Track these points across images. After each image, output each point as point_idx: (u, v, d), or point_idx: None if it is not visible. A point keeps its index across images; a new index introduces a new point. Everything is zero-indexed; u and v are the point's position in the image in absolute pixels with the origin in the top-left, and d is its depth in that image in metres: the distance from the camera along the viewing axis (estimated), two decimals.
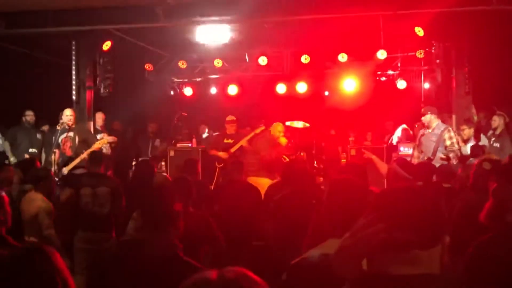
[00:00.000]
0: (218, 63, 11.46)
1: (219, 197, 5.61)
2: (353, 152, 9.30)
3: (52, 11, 7.99)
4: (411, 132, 10.33)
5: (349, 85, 10.70)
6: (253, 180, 8.12)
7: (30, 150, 8.91)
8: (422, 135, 7.74)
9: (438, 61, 9.18)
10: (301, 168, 4.59)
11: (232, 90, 12.18)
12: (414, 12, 8.12)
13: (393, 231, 1.44)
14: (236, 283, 1.19)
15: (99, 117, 9.80)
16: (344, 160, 9.84)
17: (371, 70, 10.84)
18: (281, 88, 11.85)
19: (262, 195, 5.66)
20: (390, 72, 11.41)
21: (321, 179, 8.78)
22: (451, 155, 7.41)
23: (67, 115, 7.97)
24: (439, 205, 1.56)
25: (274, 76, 11.85)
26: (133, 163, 10.35)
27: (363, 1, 7.90)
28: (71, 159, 7.49)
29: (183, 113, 11.45)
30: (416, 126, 9.30)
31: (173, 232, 2.63)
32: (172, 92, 13.03)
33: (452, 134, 7.54)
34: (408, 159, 7.69)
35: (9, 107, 9.18)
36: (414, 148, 8.14)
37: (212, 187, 8.05)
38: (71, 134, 7.94)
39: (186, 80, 12.49)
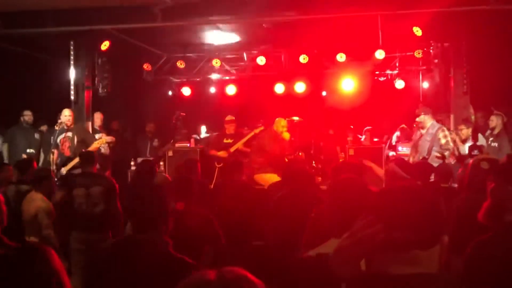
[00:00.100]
0: (216, 63, 11.46)
1: (218, 196, 5.61)
2: (351, 152, 9.30)
3: (51, 11, 7.98)
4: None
5: (348, 85, 10.70)
6: (259, 177, 8.15)
7: (28, 150, 8.90)
8: (420, 136, 7.80)
9: (436, 61, 9.20)
10: (300, 168, 4.61)
11: (231, 90, 12.18)
12: (412, 12, 8.14)
13: (392, 231, 1.45)
14: (236, 284, 1.19)
15: (98, 117, 9.79)
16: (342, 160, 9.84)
17: (369, 70, 10.85)
18: (279, 88, 11.85)
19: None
20: (388, 72, 11.43)
21: (320, 179, 8.77)
22: (446, 153, 7.53)
23: (66, 115, 7.97)
24: (438, 205, 1.56)
25: (273, 76, 11.85)
26: (132, 163, 10.35)
27: (362, 1, 7.90)
28: (70, 159, 7.49)
29: (181, 113, 11.44)
30: (415, 125, 9.32)
31: (164, 230, 2.66)
32: (170, 92, 13.02)
33: (447, 133, 7.65)
34: (406, 158, 7.75)
35: (7, 107, 9.17)
36: (411, 148, 8.22)
37: (212, 186, 8.05)
38: (69, 134, 7.94)
39: (184, 80, 12.49)
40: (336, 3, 7.87)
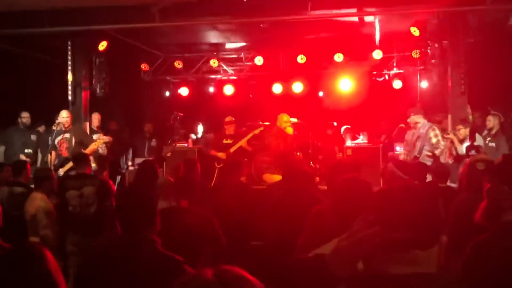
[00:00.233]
0: (214, 63, 11.46)
1: (217, 197, 5.61)
2: (349, 152, 9.31)
3: (48, 11, 7.96)
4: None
5: (345, 85, 10.71)
6: (268, 177, 8.16)
7: (26, 150, 8.88)
8: (418, 136, 7.86)
9: (433, 61, 9.20)
10: (300, 168, 4.61)
11: (228, 90, 12.18)
12: (410, 12, 8.15)
13: (391, 231, 1.45)
14: (235, 284, 1.19)
15: (95, 117, 9.77)
16: None
17: (367, 70, 10.86)
18: (277, 88, 11.86)
19: None
20: (386, 72, 11.44)
21: (318, 179, 8.77)
22: (436, 152, 7.64)
23: (64, 116, 7.96)
24: (437, 205, 1.56)
25: (271, 76, 11.85)
26: (129, 163, 10.34)
27: (360, 1, 7.91)
28: (67, 160, 7.48)
29: (179, 113, 11.44)
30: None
31: (151, 230, 2.70)
32: (168, 92, 13.02)
33: (437, 132, 7.76)
34: (400, 158, 7.87)
35: (4, 107, 9.14)
36: (403, 148, 8.36)
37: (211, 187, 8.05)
38: (67, 135, 7.94)
39: (182, 80, 12.48)
40: (335, 3, 7.88)
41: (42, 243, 4.84)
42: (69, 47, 9.11)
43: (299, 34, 9.88)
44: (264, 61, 11.06)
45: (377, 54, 9.34)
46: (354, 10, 8.07)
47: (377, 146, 9.32)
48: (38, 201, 5.27)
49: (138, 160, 9.57)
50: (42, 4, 7.73)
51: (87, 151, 7.49)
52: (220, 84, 12.50)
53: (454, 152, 7.68)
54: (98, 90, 9.42)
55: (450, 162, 7.72)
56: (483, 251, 2.21)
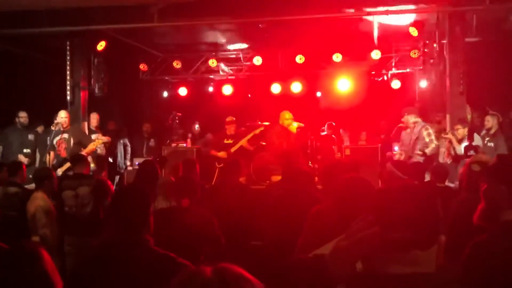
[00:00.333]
0: (212, 63, 11.46)
1: (217, 197, 5.60)
2: (347, 152, 9.32)
3: (47, 11, 7.95)
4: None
5: (344, 85, 10.72)
6: (277, 179, 8.13)
7: (25, 150, 8.87)
8: (418, 137, 7.91)
9: (432, 61, 9.20)
10: (300, 168, 4.61)
11: (227, 90, 12.18)
12: (409, 12, 8.16)
13: (390, 231, 1.45)
14: (235, 283, 1.19)
15: (94, 117, 9.77)
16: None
17: (365, 70, 10.87)
18: (276, 88, 11.86)
19: None
20: (384, 72, 11.44)
21: (316, 178, 8.76)
22: (426, 150, 7.74)
23: (62, 117, 7.95)
24: (435, 205, 1.56)
25: (269, 76, 11.85)
26: (128, 163, 10.33)
27: (358, 1, 7.91)
28: (66, 160, 7.47)
29: (177, 113, 11.44)
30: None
31: (145, 230, 2.69)
32: (166, 92, 13.01)
33: (430, 131, 7.89)
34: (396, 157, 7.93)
35: (3, 107, 9.13)
36: (399, 147, 8.43)
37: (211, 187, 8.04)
38: (66, 135, 7.92)
39: (180, 80, 12.48)
40: (333, 3, 7.88)
41: (41, 243, 4.85)
42: (68, 47, 9.11)
43: (298, 34, 9.87)
44: (262, 61, 11.05)
45: (376, 54, 9.35)
46: (352, 11, 8.09)
47: (375, 146, 9.33)
48: (38, 201, 5.29)
49: (137, 160, 9.57)
50: (41, 4, 7.72)
51: (86, 151, 7.49)
52: (218, 84, 12.50)
53: (452, 152, 7.70)
54: (96, 90, 9.41)
55: (449, 162, 7.74)
56: (482, 251, 2.21)
